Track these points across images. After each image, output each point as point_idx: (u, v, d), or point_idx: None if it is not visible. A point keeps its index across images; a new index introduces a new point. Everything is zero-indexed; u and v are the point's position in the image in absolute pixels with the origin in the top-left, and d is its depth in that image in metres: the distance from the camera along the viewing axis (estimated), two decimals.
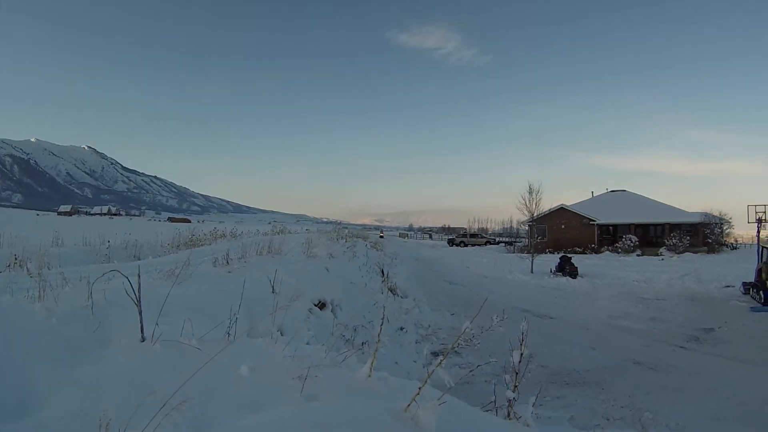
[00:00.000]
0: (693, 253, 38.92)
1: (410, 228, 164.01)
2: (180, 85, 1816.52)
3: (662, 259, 35.41)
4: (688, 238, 40.92)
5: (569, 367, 9.75)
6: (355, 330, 9.00)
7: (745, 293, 18.01)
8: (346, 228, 33.14)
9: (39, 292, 4.29)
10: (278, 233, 21.25)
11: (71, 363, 3.27)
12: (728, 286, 19.81)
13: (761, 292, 16.42)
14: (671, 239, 40.62)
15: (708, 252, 40.18)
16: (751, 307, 15.66)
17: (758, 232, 21.16)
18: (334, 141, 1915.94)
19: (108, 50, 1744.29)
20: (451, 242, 65.65)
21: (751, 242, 35.01)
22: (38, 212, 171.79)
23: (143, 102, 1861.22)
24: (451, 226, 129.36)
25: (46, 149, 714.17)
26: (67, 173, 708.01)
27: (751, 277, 18.22)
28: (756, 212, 21.76)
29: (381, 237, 56.40)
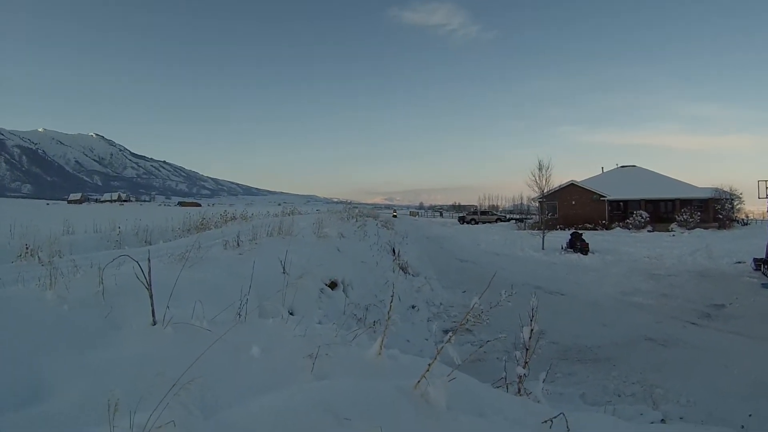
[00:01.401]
0: (704, 228, 38.52)
1: (421, 206, 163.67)
2: (187, 70, 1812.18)
3: (673, 235, 35.13)
4: (699, 213, 40.53)
5: (580, 344, 9.74)
6: (367, 309, 9.01)
7: (756, 269, 17.84)
8: (357, 208, 33.10)
9: (50, 280, 4.31)
10: (288, 214, 21.27)
11: (83, 349, 3.31)
12: (739, 262, 19.61)
13: None
14: (682, 215, 40.27)
15: (719, 228, 39.79)
16: (763, 284, 15.52)
17: None
18: (342, 120, 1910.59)
19: (113, 37, 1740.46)
20: (461, 220, 65.10)
21: (762, 218, 34.76)
22: (48, 201, 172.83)
23: (150, 88, 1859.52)
24: (462, 203, 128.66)
25: (54, 138, 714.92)
26: (76, 161, 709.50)
27: (762, 253, 18.05)
28: (767, 187, 21.51)
29: (394, 216, 56.26)
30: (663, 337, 10.12)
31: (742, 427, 5.47)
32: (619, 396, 7.12)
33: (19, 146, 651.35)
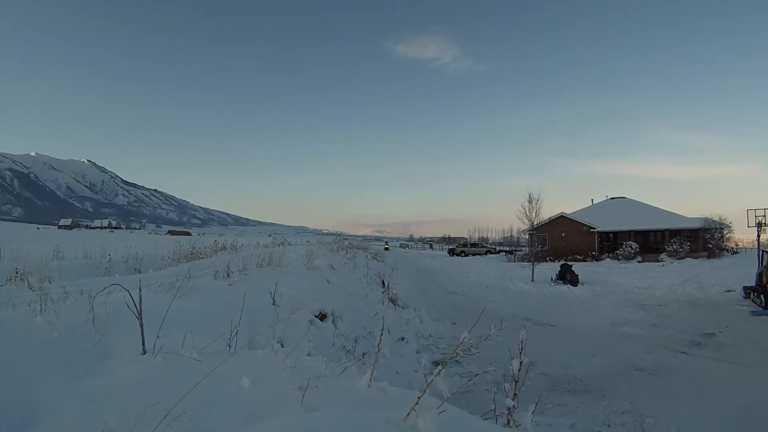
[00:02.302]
0: (693, 258, 38.76)
1: (410, 238, 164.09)
2: (179, 99, 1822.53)
3: (663, 265, 35.30)
4: (689, 243, 40.76)
5: (570, 375, 9.74)
6: (356, 340, 9.01)
7: (745, 297, 18.01)
8: (347, 239, 33.11)
9: (41, 305, 4.31)
10: (278, 245, 21.23)
11: (73, 376, 3.30)
12: (729, 291, 19.79)
13: (762, 296, 16.42)
14: (672, 245, 40.48)
15: (708, 257, 40.02)
16: (752, 311, 15.65)
17: (758, 235, 21.16)
18: (333, 152, 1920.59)
19: (107, 63, 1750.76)
20: (451, 252, 65.18)
21: (751, 246, 34.96)
22: (39, 226, 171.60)
23: (143, 115, 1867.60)
24: (452, 235, 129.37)
25: (45, 163, 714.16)
26: (67, 187, 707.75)
27: (752, 281, 18.23)
28: (756, 216, 21.76)
29: (386, 249, 56.14)
30: (653, 367, 10.15)
31: None
32: (609, 426, 7.13)
33: (11, 169, 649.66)
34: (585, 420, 7.35)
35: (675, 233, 42.65)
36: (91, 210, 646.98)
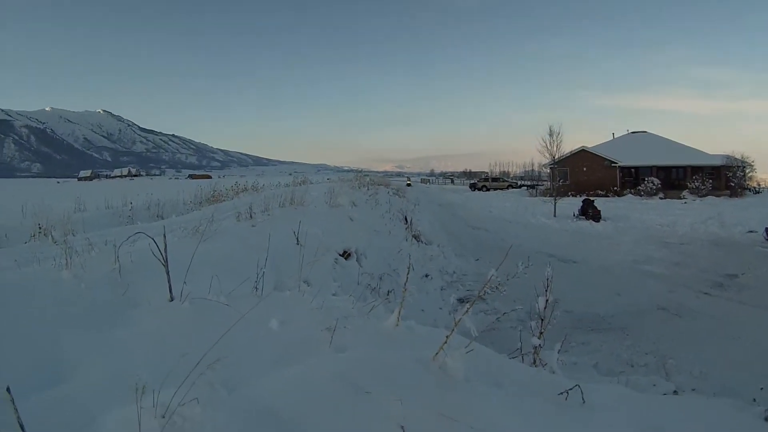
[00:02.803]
0: (715, 196, 38.03)
1: (432, 173, 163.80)
2: (194, 42, 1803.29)
3: (685, 203, 34.81)
4: (711, 181, 39.99)
5: (594, 313, 9.74)
6: (381, 278, 9.03)
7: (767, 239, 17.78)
8: (368, 176, 32.90)
9: (66, 259, 4.31)
10: (300, 184, 21.24)
11: (102, 327, 3.31)
12: (751, 231, 19.45)
13: None
14: (694, 182, 39.79)
15: (730, 196, 39.23)
16: None
17: None
18: (351, 88, 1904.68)
19: (117, 9, 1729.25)
20: (473, 187, 64.69)
21: None
22: (59, 180, 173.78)
23: (156, 61, 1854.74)
24: (473, 170, 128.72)
25: (61, 117, 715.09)
26: (85, 138, 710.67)
27: None
28: None
29: (408, 185, 55.70)
30: (676, 307, 10.08)
31: (754, 400, 5.47)
32: (632, 366, 7.12)
33: (27, 126, 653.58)
34: (608, 359, 7.38)
35: (697, 170, 41.88)
36: (110, 159, 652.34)
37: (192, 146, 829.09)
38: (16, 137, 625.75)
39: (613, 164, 45.10)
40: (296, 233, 7.17)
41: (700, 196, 38.16)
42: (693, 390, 6.17)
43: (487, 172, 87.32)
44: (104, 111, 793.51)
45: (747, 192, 42.50)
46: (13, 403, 1.56)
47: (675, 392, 5.47)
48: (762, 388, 6.03)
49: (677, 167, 44.60)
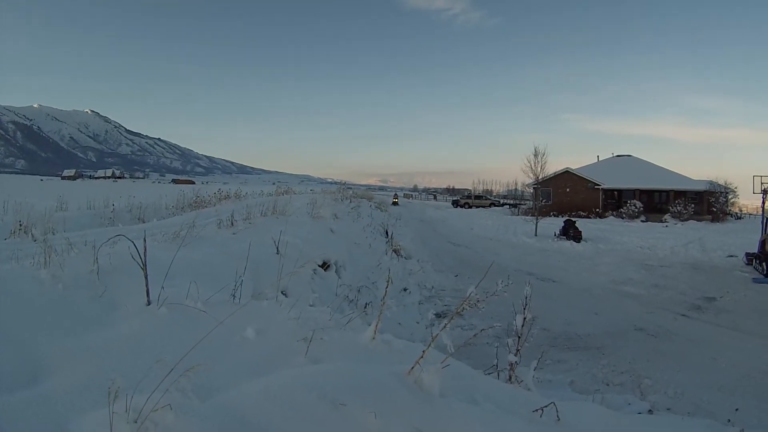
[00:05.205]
0: (697, 221, 38.66)
1: (415, 189, 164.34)
2: (183, 47, 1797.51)
3: (666, 226, 35.24)
4: (693, 205, 40.61)
5: (571, 331, 9.79)
6: (359, 291, 9.03)
7: (747, 263, 17.96)
8: (351, 189, 32.95)
9: (44, 258, 4.29)
10: (283, 194, 21.26)
11: (78, 330, 3.28)
12: (731, 256, 19.70)
13: (764, 264, 16.36)
14: (676, 206, 40.33)
15: (712, 221, 39.88)
16: (754, 278, 15.59)
17: (763, 202, 20.88)
18: (339, 101, 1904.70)
19: (108, 11, 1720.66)
20: (455, 204, 65.02)
21: (755, 212, 34.82)
22: (42, 177, 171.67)
23: (146, 64, 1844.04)
24: (456, 187, 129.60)
25: (48, 114, 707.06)
26: (71, 138, 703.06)
27: (754, 248, 18.12)
28: (761, 183, 21.49)
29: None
30: (653, 328, 10.16)
31: (729, 420, 5.53)
32: (608, 385, 7.15)
33: (13, 122, 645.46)
34: (584, 378, 7.40)
35: (680, 194, 42.55)
36: (94, 160, 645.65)
37: (177, 151, 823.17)
38: (2, 132, 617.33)
39: (596, 186, 45.60)
40: (277, 243, 7.16)
41: (682, 220, 38.66)
42: (668, 409, 6.23)
43: (470, 190, 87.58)
44: (92, 111, 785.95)
45: (729, 217, 43.24)
46: None
47: (650, 411, 5.53)
48: (737, 409, 6.11)
49: (660, 191, 45.25)
